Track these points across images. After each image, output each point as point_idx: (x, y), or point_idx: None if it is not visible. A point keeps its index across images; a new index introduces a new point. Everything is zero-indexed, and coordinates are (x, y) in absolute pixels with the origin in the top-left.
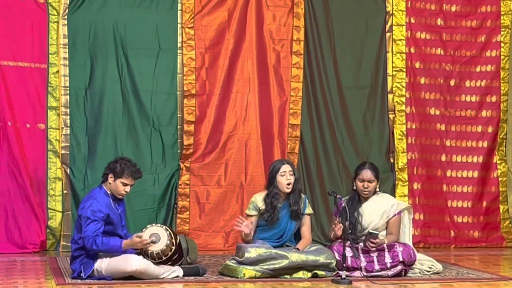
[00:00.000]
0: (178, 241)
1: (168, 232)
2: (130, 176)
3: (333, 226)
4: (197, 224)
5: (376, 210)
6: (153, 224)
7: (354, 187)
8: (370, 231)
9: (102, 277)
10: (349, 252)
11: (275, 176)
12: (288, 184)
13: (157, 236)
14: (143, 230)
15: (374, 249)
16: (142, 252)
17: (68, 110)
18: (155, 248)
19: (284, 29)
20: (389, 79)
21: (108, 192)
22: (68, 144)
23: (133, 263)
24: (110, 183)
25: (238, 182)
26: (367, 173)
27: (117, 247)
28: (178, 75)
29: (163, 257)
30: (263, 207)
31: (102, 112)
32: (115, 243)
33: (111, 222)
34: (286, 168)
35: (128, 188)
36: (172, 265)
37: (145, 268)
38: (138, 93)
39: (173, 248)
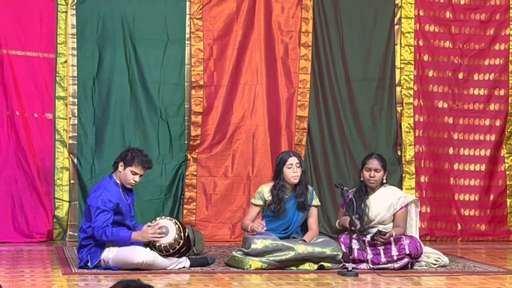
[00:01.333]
0: (186, 234)
1: (177, 225)
2: (140, 165)
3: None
4: (203, 215)
5: (383, 203)
6: (162, 217)
7: (361, 178)
8: (380, 229)
9: (108, 267)
10: (355, 245)
11: (282, 169)
12: (295, 177)
13: (166, 229)
14: (152, 222)
15: (381, 242)
16: (150, 244)
17: (76, 100)
18: (163, 241)
19: (293, 21)
20: (397, 71)
21: (118, 181)
22: (76, 134)
23: (140, 255)
24: (120, 172)
25: (245, 174)
26: (373, 162)
27: (127, 238)
28: (186, 66)
29: (171, 250)
30: (270, 198)
31: (110, 102)
32: (125, 234)
33: (120, 212)
34: (293, 160)
35: (137, 178)
36: (180, 257)
37: (152, 261)
38: (146, 84)
39: (181, 242)
